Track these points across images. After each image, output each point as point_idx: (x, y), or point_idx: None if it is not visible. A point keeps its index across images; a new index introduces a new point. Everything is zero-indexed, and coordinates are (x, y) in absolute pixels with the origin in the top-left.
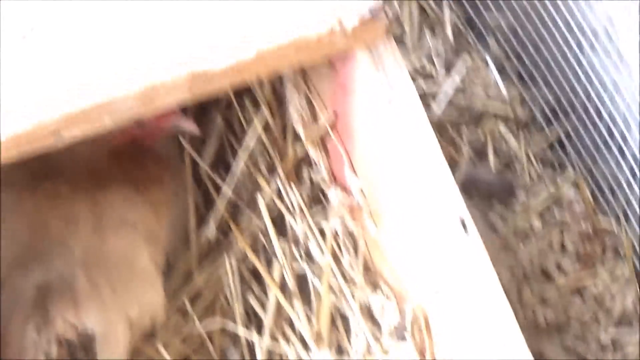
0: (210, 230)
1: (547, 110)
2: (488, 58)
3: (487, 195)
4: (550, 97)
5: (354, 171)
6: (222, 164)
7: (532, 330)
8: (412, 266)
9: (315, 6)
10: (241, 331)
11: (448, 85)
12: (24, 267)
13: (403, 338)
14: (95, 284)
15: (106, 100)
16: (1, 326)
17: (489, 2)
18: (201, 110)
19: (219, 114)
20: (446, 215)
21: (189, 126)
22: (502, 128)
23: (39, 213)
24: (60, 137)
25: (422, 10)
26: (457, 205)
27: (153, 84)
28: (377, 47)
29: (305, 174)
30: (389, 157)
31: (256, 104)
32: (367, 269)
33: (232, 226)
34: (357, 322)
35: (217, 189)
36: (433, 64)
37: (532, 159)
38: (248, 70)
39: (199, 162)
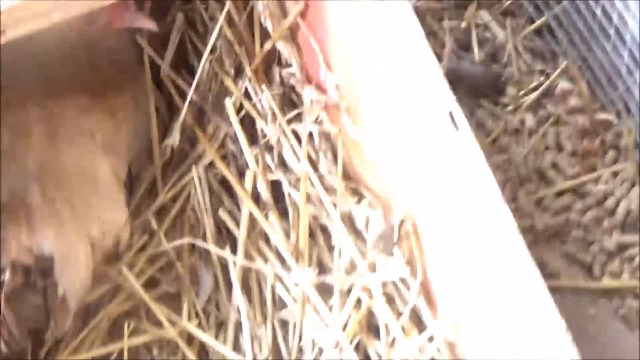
0: (174, 138)
1: None
2: None
3: (473, 90)
4: None
5: (329, 66)
6: (184, 66)
7: (530, 237)
8: (398, 169)
9: None
10: (213, 248)
11: None
12: None
13: (390, 251)
14: (52, 201)
15: None
16: None
17: None
18: (159, 7)
19: (179, 10)
20: (433, 110)
21: (146, 23)
22: (486, 15)
23: None
24: (4, 34)
25: None
26: (444, 98)
27: None
28: None
29: (275, 74)
30: (368, 48)
31: None
32: (348, 176)
33: (198, 133)
34: (340, 235)
35: (181, 93)
36: None
37: (520, 48)
38: None
39: (159, 64)
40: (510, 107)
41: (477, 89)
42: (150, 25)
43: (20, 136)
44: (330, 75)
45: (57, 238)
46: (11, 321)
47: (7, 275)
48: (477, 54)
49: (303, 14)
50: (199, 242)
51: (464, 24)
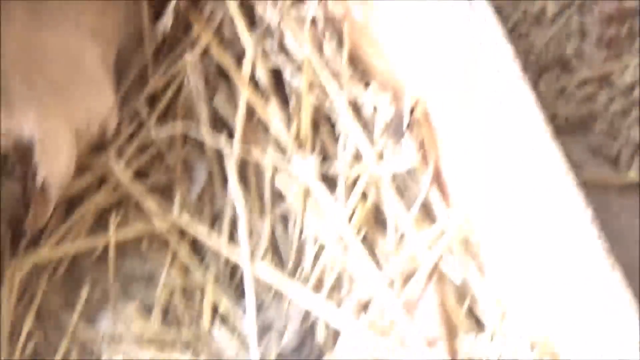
0: (167, 21)
1: None
2: None
3: None
4: None
5: None
6: None
7: (551, 128)
8: (409, 52)
9: None
10: (207, 137)
11: None
12: None
13: (400, 138)
14: (33, 85)
15: None
16: None
17: None
18: None
19: None
20: None
21: None
22: None
23: None
24: None
25: None
26: None
27: None
28: None
29: None
30: None
31: None
32: (355, 61)
33: (192, 17)
34: (345, 122)
35: None
36: None
37: None
38: None
39: None
40: None
41: None
42: None
43: (4, 25)
44: None
45: (38, 122)
46: None
47: None
48: None
49: None
50: (193, 131)
51: None
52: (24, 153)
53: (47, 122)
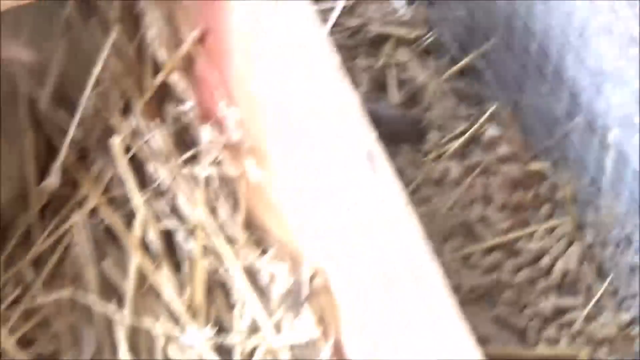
0: (53, 180)
1: (459, 32)
2: None
3: (391, 135)
4: (464, 14)
5: (231, 100)
6: (65, 102)
7: (456, 298)
8: (308, 217)
9: None
10: (96, 303)
11: (335, 6)
12: None
13: (299, 309)
14: None
15: None
16: None
17: None
18: (37, 34)
19: (59, 38)
20: (349, 149)
21: (21, 52)
22: (404, 54)
23: None
24: None
25: None
26: (362, 136)
27: None
28: None
29: (168, 110)
30: (275, 79)
31: (104, 25)
32: (251, 225)
33: (80, 176)
34: (241, 291)
35: (61, 131)
36: None
37: (443, 90)
38: None
39: (36, 99)
40: (432, 155)
41: (395, 134)
42: (25, 54)
43: None
44: (231, 110)
45: None
46: None
47: None
48: (394, 95)
49: (202, 41)
50: (81, 296)
51: (379, 63)
52: None
53: None
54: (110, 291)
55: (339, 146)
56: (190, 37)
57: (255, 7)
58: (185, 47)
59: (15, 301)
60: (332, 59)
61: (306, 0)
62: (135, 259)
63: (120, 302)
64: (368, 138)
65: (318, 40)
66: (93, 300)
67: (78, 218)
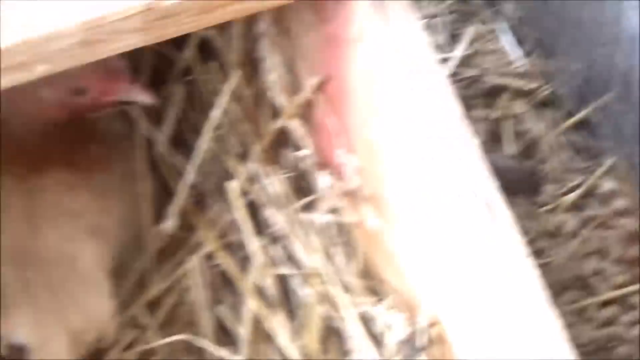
0: (170, 224)
1: (576, 84)
2: (501, 24)
3: (506, 187)
4: (581, 67)
5: (350, 147)
6: (183, 145)
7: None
8: (426, 266)
9: None
10: (211, 348)
11: (452, 56)
12: None
13: (414, 358)
14: (28, 286)
15: (37, 37)
16: None
17: None
18: (156, 78)
19: (178, 82)
20: (469, 197)
21: (142, 96)
22: (520, 106)
23: None
24: None
25: None
26: (481, 184)
27: (98, 17)
28: None
29: (287, 155)
30: (397, 126)
31: (225, 70)
32: (367, 273)
33: (197, 220)
34: (356, 339)
35: (178, 174)
36: (434, 32)
37: (559, 143)
38: (215, 4)
39: (154, 142)
40: (547, 207)
41: (510, 186)
42: (146, 98)
43: None
44: (350, 158)
45: (33, 325)
46: None
47: None
48: (510, 147)
49: (322, 87)
50: (196, 341)
51: (495, 114)
52: (18, 358)
53: (43, 327)
54: (225, 336)
55: (458, 194)
56: (310, 83)
57: (377, 54)
58: (305, 93)
59: (131, 344)
60: (454, 108)
61: (427, 48)
62: (251, 305)
63: (234, 347)
64: (487, 187)
65: (440, 89)
66: (208, 344)
67: (194, 262)
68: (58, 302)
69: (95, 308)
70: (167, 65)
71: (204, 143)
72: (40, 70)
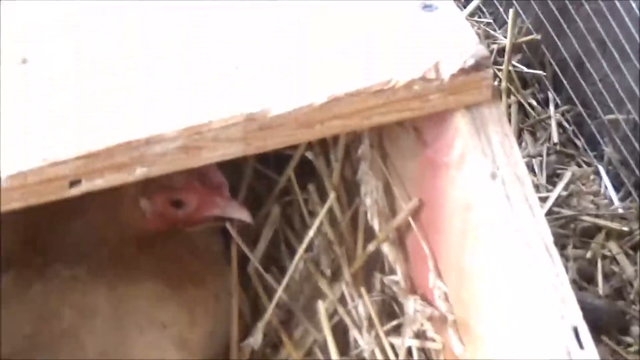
0: (256, 339)
1: None
2: (600, 167)
3: (594, 325)
4: None
5: (439, 274)
6: (274, 263)
7: None
8: None
9: (405, 46)
10: None
11: (550, 196)
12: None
13: None
14: None
15: (138, 140)
16: None
17: (607, 97)
18: (254, 197)
19: (275, 202)
20: (555, 325)
21: (240, 213)
22: (614, 247)
23: (47, 299)
24: (77, 185)
25: (521, 107)
26: (569, 311)
27: (200, 124)
28: (481, 109)
29: (376, 279)
30: (489, 256)
31: (322, 192)
32: None
33: (284, 337)
34: None
35: (268, 292)
36: (533, 171)
37: None
38: (315, 118)
39: (247, 259)
40: (633, 348)
41: (599, 324)
42: (243, 215)
43: (83, 317)
44: (439, 283)
45: None
46: None
47: None
48: (601, 287)
49: (415, 213)
50: None
51: (589, 254)
52: None
53: None
54: None
55: (545, 321)
56: (405, 209)
57: (474, 181)
58: (399, 218)
59: None
60: (548, 243)
61: (526, 180)
62: None
63: None
64: (575, 314)
65: (535, 223)
66: None
67: None
68: None
69: None
70: (265, 185)
71: (297, 262)
72: (139, 173)
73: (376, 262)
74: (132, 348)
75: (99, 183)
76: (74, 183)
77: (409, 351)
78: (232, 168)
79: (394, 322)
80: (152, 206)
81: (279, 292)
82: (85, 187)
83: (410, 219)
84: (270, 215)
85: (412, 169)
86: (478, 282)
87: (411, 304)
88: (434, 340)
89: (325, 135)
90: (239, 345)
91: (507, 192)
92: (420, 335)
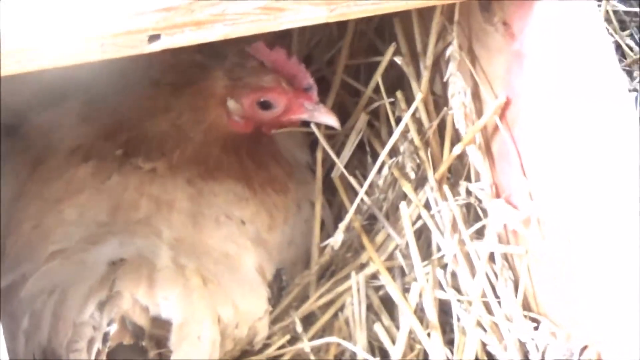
0: (337, 240)
1: None
2: None
3: None
4: None
5: (524, 173)
6: (359, 169)
7: None
8: (589, 296)
9: None
10: (364, 355)
11: None
12: (97, 244)
13: None
14: (182, 268)
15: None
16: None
17: None
18: (341, 104)
19: (362, 110)
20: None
21: (328, 119)
22: None
23: (125, 190)
24: (156, 40)
25: (618, 48)
26: None
27: None
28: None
29: (462, 186)
30: (578, 152)
31: (409, 100)
32: (527, 301)
33: (365, 240)
34: None
35: (352, 199)
36: None
37: None
38: None
39: (332, 169)
40: None
41: None
42: (331, 120)
43: (160, 210)
44: (524, 182)
45: (180, 304)
46: None
47: (114, 329)
48: None
49: (502, 113)
50: (348, 352)
51: None
52: (159, 331)
53: (190, 307)
54: (377, 353)
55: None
56: (492, 105)
57: (560, 68)
58: (486, 117)
59: (282, 348)
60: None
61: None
62: (408, 323)
63: None
64: None
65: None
66: (360, 351)
67: (356, 280)
68: (211, 290)
69: (249, 308)
70: (352, 98)
71: (381, 167)
72: (219, 31)
73: (460, 168)
74: (208, 239)
75: (179, 40)
76: (153, 38)
77: (493, 256)
78: (320, 79)
79: (477, 225)
80: (239, 107)
81: (361, 194)
82: (164, 42)
83: (496, 117)
84: (356, 124)
85: (500, 66)
86: (564, 185)
87: (495, 208)
88: (517, 246)
89: (409, 7)
90: (319, 247)
91: (601, 93)
92: (503, 240)
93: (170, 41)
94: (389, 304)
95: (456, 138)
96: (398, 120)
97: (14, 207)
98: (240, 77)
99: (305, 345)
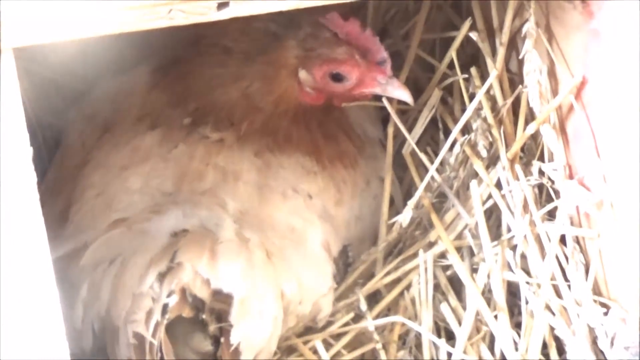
0: (405, 217)
1: None
2: None
3: None
4: None
5: (598, 154)
6: (431, 145)
7: None
8: None
9: None
10: (429, 335)
11: None
12: (160, 214)
13: None
14: (246, 241)
15: None
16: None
17: None
18: (415, 79)
19: (435, 86)
20: None
21: (401, 93)
22: None
23: (191, 159)
24: (225, 7)
25: None
26: None
27: None
28: None
29: (534, 166)
30: None
31: (483, 77)
32: (598, 286)
33: (434, 218)
34: (578, 350)
35: (422, 175)
36: None
37: None
38: None
39: (403, 145)
40: None
41: None
42: (404, 95)
43: (225, 181)
44: (599, 165)
45: (242, 277)
46: (169, 354)
47: (173, 301)
48: None
49: (578, 93)
50: (413, 332)
51: None
52: (219, 305)
53: (252, 281)
54: (443, 332)
55: None
56: (568, 84)
57: (634, 51)
58: (561, 96)
59: (346, 325)
60: None
61: None
62: (473, 306)
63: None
64: None
65: None
66: (425, 331)
67: (424, 258)
68: (274, 265)
69: (313, 284)
70: (425, 70)
71: (453, 144)
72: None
73: (533, 148)
74: (274, 212)
75: (248, 7)
76: (222, 5)
77: (562, 239)
78: (394, 53)
79: (549, 206)
80: (311, 78)
81: (432, 171)
82: (233, 10)
83: (572, 97)
84: (429, 99)
85: (577, 45)
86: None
87: (567, 189)
88: (589, 229)
89: None
90: (387, 224)
91: None
92: (575, 223)
93: (240, 9)
94: (456, 284)
95: (530, 117)
96: (472, 97)
97: (80, 174)
98: (313, 47)
99: (370, 323)
